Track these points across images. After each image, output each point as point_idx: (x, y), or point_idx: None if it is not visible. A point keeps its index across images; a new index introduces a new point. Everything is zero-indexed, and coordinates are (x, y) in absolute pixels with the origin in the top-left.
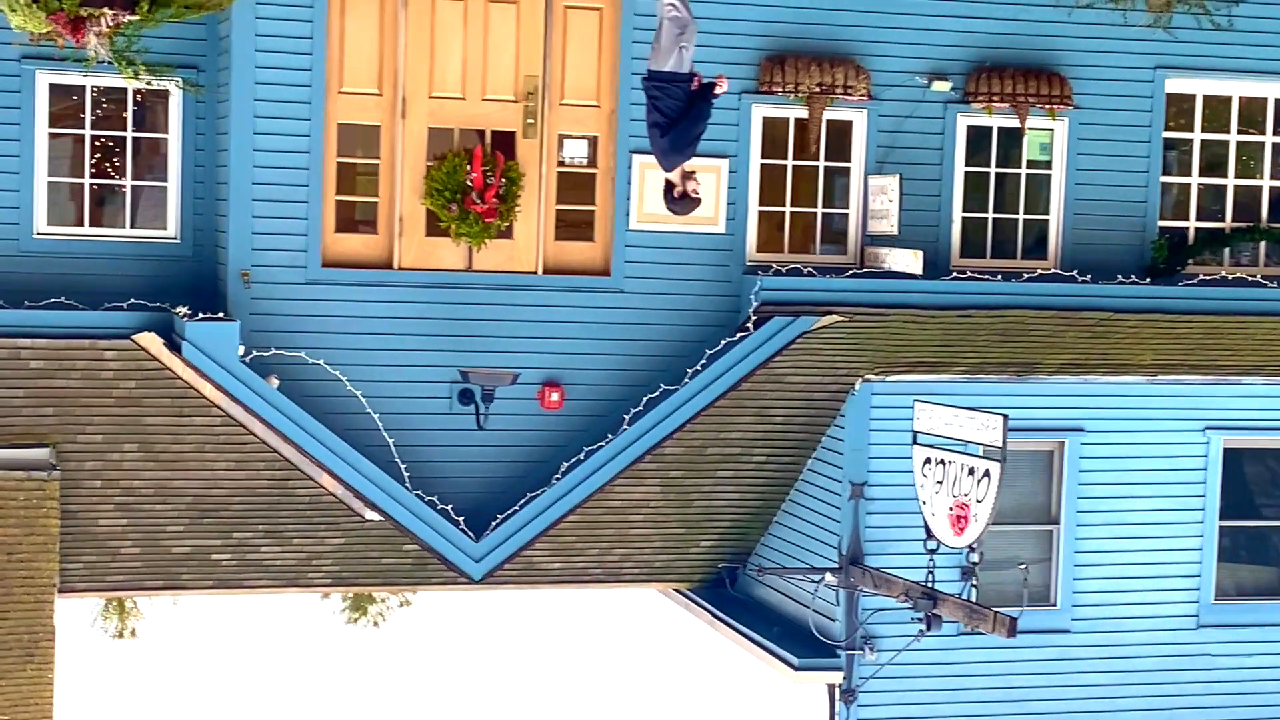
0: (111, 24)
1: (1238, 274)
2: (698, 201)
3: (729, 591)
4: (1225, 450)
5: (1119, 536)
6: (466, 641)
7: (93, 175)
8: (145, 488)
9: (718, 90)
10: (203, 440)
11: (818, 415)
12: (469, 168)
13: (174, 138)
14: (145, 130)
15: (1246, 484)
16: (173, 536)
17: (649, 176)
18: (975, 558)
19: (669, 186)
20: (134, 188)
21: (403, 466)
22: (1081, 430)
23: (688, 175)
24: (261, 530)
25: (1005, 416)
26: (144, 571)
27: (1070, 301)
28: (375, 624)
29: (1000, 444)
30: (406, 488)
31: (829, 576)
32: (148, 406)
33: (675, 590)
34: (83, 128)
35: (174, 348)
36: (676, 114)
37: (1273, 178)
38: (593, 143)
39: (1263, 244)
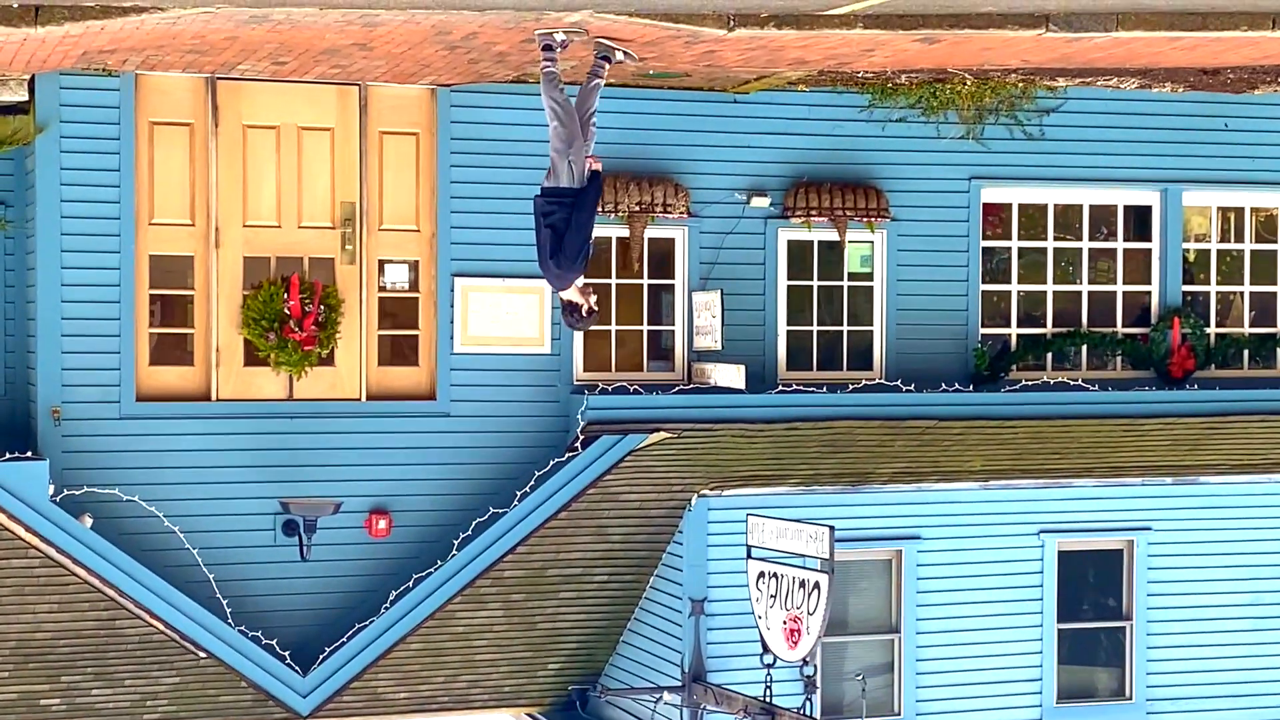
0: None
1: (1059, 378)
2: (595, 312)
3: (580, 714)
4: (1060, 553)
5: (960, 643)
6: None
7: None
8: None
9: (598, 167)
10: (21, 583)
11: (656, 532)
12: (286, 296)
13: None
14: None
15: (1082, 586)
16: None
17: (472, 299)
18: (809, 670)
19: (568, 306)
20: None
21: (225, 602)
22: (918, 538)
23: (585, 290)
24: (91, 673)
25: (831, 528)
26: None
27: (895, 411)
28: None
29: (828, 555)
30: (229, 624)
31: (665, 695)
32: None
33: (527, 715)
34: None
35: None
36: (564, 229)
37: (1091, 282)
38: (414, 266)
39: (1084, 348)
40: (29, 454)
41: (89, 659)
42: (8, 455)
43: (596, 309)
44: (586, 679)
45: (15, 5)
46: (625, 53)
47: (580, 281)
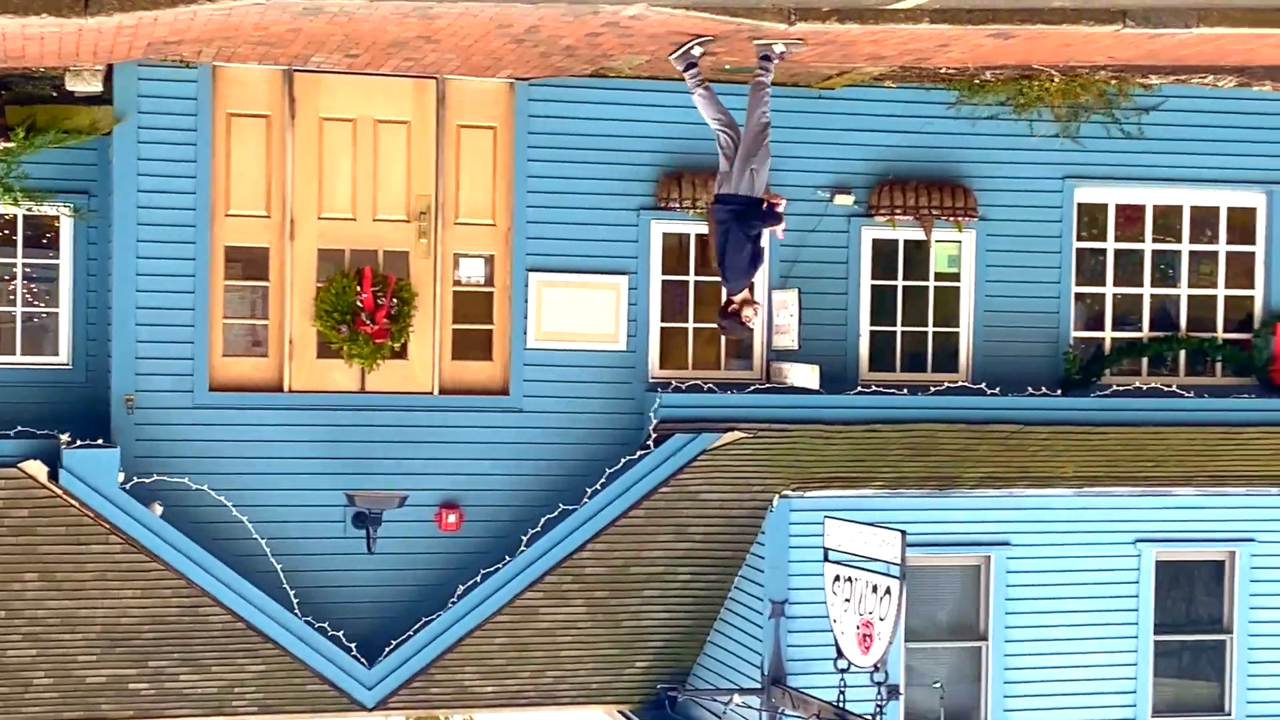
0: None
1: (1153, 384)
2: (748, 330)
3: (669, 714)
4: (1158, 562)
5: (1050, 653)
6: None
7: None
8: (51, 617)
9: (779, 208)
10: (104, 568)
11: (739, 532)
12: (359, 288)
13: (65, 263)
14: (37, 256)
15: (1181, 597)
16: (85, 666)
17: (546, 294)
18: (880, 676)
19: (725, 304)
20: (25, 313)
21: (292, 593)
22: (1008, 544)
23: (747, 300)
24: (178, 658)
25: (903, 533)
26: (60, 702)
27: (978, 414)
28: None
29: (900, 560)
30: (296, 614)
31: (736, 698)
32: (42, 535)
33: (619, 713)
34: None
35: (55, 476)
36: (748, 237)
37: (1191, 286)
38: (489, 261)
39: (1182, 353)
40: (100, 441)
41: (174, 645)
42: (80, 442)
43: (750, 325)
44: (675, 678)
45: None
46: (785, 44)
47: (748, 292)
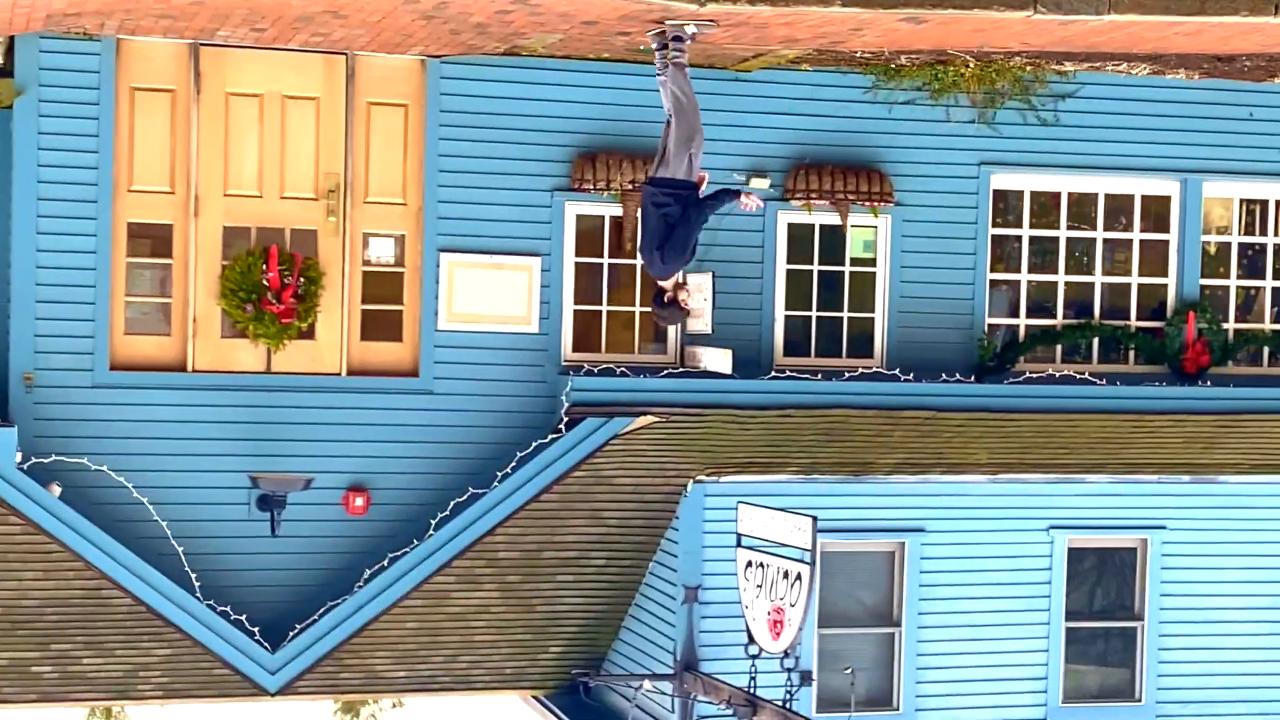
0: None
1: (1067, 372)
2: (686, 312)
3: (583, 699)
4: (1070, 549)
5: (963, 639)
6: None
7: None
8: None
9: (745, 205)
10: (3, 549)
11: (654, 517)
12: (265, 267)
13: None
14: None
15: (1092, 584)
16: None
17: (458, 275)
18: (791, 663)
19: (659, 293)
20: None
21: (194, 576)
22: (922, 530)
23: (679, 285)
24: (81, 641)
25: (814, 518)
26: None
27: (891, 400)
28: None
29: (810, 546)
30: (197, 598)
31: (646, 684)
32: None
33: (534, 698)
34: None
35: None
36: (676, 221)
37: (1105, 274)
38: (400, 241)
39: (1095, 341)
40: None
41: (77, 628)
42: None
43: (686, 306)
44: (590, 663)
45: None
46: (697, 24)
47: (679, 276)
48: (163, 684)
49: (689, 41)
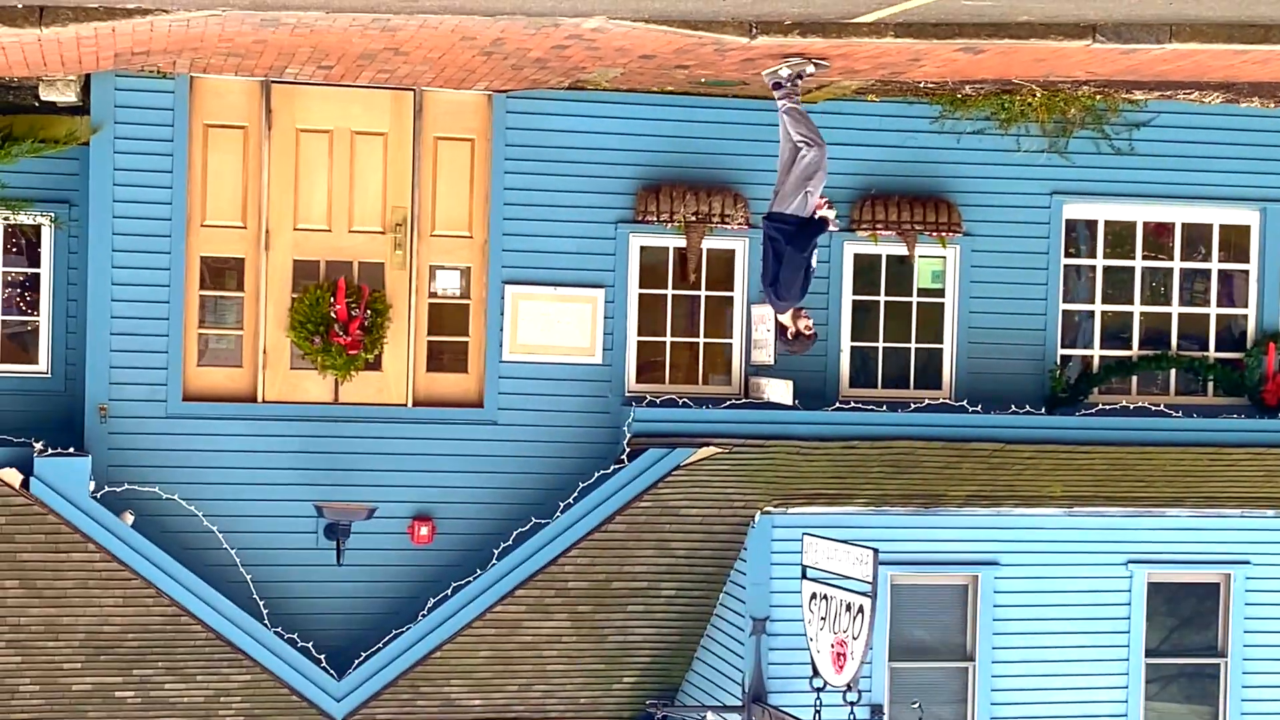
0: None
1: (1141, 404)
2: (812, 338)
3: None
4: (1150, 584)
5: (1039, 674)
6: None
7: None
8: (34, 624)
9: (826, 217)
10: (84, 576)
11: (722, 547)
12: (332, 299)
13: (45, 272)
14: (18, 265)
15: (1174, 619)
16: (70, 674)
17: (523, 307)
18: (853, 696)
19: (781, 329)
20: (6, 321)
21: (261, 603)
22: (996, 564)
23: (797, 314)
24: (162, 667)
25: (875, 551)
26: (47, 709)
27: (958, 432)
28: None
29: (871, 578)
30: (265, 625)
31: (710, 716)
32: (21, 542)
33: None
34: None
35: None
36: (784, 254)
37: (1182, 304)
38: (465, 273)
39: (1172, 372)
40: (71, 450)
41: (159, 654)
42: (53, 451)
43: (809, 334)
44: (663, 694)
45: (20, 5)
46: (815, 63)
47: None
48: (243, 709)
49: (788, 86)
